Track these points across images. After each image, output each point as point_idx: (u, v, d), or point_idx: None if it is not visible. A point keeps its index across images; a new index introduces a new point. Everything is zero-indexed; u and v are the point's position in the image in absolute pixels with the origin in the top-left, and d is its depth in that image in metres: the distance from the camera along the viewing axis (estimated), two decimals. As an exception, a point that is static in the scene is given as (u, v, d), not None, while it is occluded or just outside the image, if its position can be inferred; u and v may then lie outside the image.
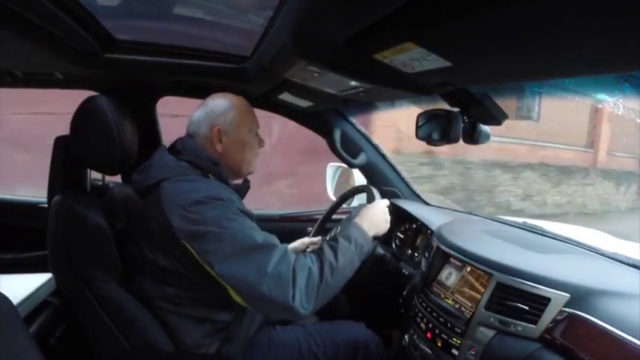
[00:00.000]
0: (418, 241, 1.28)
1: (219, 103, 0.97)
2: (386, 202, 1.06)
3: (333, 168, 1.67)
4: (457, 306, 0.90)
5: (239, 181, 1.00)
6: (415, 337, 0.98)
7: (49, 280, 1.17)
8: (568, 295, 0.76)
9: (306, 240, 1.28)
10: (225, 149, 0.95)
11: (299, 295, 0.77)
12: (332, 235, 1.09)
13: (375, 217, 0.98)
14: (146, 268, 0.87)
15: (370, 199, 1.10)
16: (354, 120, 1.46)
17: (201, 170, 0.90)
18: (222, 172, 0.93)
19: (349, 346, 1.03)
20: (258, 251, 0.78)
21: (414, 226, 1.32)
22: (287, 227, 1.61)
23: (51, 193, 0.95)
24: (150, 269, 0.87)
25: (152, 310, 0.88)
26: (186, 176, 0.87)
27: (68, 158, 0.97)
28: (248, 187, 1.01)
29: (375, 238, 0.98)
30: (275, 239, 0.83)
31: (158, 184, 0.86)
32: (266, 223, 1.21)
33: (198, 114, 0.97)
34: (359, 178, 1.53)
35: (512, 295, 0.80)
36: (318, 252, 0.85)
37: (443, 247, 1.02)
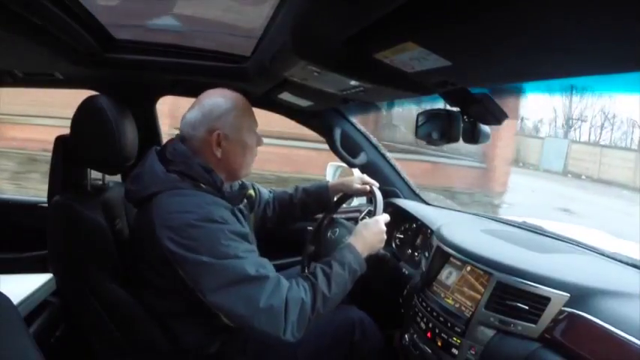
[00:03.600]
0: (418, 240, 1.28)
1: (218, 102, 0.89)
2: (385, 218, 1.02)
3: (333, 167, 1.66)
4: (457, 305, 0.90)
5: (235, 187, 0.97)
6: (415, 336, 0.98)
7: (49, 280, 1.16)
8: (568, 294, 0.76)
9: (354, 187, 1.18)
10: (225, 153, 0.89)
11: (290, 328, 0.76)
12: (333, 233, 1.09)
13: (371, 237, 0.95)
14: (141, 281, 0.87)
15: (371, 200, 1.09)
16: (354, 119, 1.46)
17: (192, 180, 0.85)
18: (216, 179, 0.87)
19: (346, 326, 1.04)
20: (250, 284, 0.76)
21: (414, 225, 1.32)
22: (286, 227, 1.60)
23: (51, 193, 0.96)
24: (144, 282, 0.86)
25: (152, 313, 0.88)
26: (177, 190, 0.83)
27: (68, 158, 0.97)
28: (244, 195, 0.98)
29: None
30: (268, 267, 0.80)
31: (151, 198, 0.83)
32: None
33: (194, 115, 0.89)
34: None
35: (512, 295, 0.80)
36: (312, 279, 0.83)
37: (443, 246, 1.02)
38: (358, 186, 1.18)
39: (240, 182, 1.01)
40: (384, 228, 0.99)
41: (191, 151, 0.87)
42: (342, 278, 0.85)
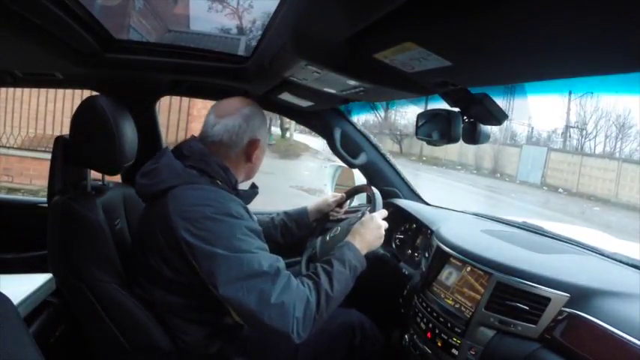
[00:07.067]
0: (418, 241, 1.28)
1: (257, 113, 0.94)
2: (383, 213, 1.02)
3: (333, 168, 1.67)
4: (457, 306, 0.90)
5: (246, 186, 0.98)
6: (415, 336, 0.98)
7: (49, 280, 1.16)
8: (568, 295, 0.76)
9: (330, 200, 1.23)
10: (256, 159, 0.96)
11: (296, 326, 0.76)
12: (332, 234, 1.09)
13: (369, 235, 0.95)
14: (151, 275, 0.86)
15: (370, 200, 1.09)
16: (354, 120, 1.46)
17: (209, 177, 0.87)
18: (231, 178, 0.90)
19: (346, 329, 1.05)
20: (263, 279, 0.76)
21: (414, 226, 1.32)
22: None
23: (51, 193, 0.95)
24: (154, 277, 0.86)
25: (154, 311, 0.87)
26: (195, 184, 0.84)
27: (68, 158, 0.97)
28: (256, 194, 0.99)
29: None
30: (280, 264, 0.81)
31: (165, 192, 0.83)
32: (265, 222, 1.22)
33: (238, 123, 0.91)
34: (359, 178, 1.53)
35: (512, 295, 0.80)
36: (314, 278, 0.83)
37: (443, 247, 1.02)
38: (334, 198, 1.24)
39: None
40: (382, 223, 0.99)
41: (220, 154, 0.90)
42: (343, 276, 0.85)
